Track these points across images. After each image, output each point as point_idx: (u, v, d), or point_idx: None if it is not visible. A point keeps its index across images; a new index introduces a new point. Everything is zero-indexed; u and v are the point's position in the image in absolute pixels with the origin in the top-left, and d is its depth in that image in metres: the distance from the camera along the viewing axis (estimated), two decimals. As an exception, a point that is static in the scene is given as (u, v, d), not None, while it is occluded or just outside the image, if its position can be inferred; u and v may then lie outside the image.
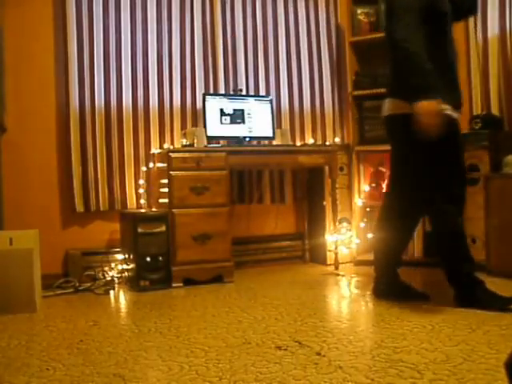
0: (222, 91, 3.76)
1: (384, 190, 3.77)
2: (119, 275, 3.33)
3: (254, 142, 3.74)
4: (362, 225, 3.81)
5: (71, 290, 3.12)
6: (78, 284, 3.18)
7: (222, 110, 3.57)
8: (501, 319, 2.15)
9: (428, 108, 2.19)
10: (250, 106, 3.66)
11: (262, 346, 1.94)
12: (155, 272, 3.10)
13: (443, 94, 2.31)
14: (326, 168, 3.68)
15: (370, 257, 3.63)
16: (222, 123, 3.56)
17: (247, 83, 3.86)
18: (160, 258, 3.11)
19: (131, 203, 3.52)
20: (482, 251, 3.11)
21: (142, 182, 3.54)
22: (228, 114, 3.58)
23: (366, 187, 3.86)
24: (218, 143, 3.54)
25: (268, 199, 3.90)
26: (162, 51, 3.61)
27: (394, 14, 2.33)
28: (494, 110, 3.48)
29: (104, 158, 3.45)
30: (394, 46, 2.35)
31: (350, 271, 3.52)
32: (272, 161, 3.52)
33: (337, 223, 3.64)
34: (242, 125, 3.62)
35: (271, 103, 3.76)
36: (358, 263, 3.70)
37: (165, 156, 3.21)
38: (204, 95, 3.56)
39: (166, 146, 3.54)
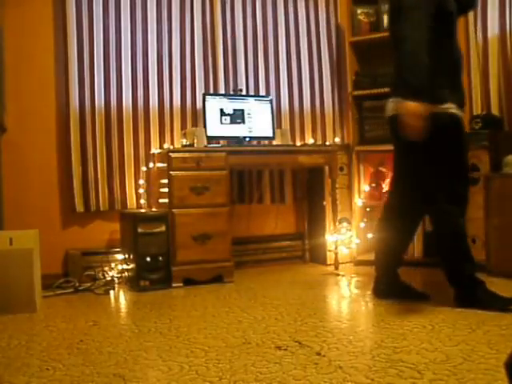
0: (222, 91, 3.76)
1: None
2: (119, 275, 3.33)
3: (254, 142, 3.74)
4: (362, 225, 3.81)
5: (71, 289, 3.12)
6: (78, 284, 3.18)
7: (222, 110, 3.57)
8: (501, 319, 2.15)
9: (412, 109, 2.19)
10: (249, 105, 3.66)
11: (261, 346, 1.94)
12: (155, 272, 3.10)
13: (448, 93, 2.32)
14: (326, 168, 3.68)
15: (370, 257, 3.64)
16: (221, 123, 3.56)
17: (247, 83, 3.86)
18: (160, 258, 3.11)
19: (131, 203, 3.52)
20: (482, 251, 3.11)
21: (142, 182, 3.54)
22: (228, 114, 3.58)
23: (365, 187, 3.86)
24: (218, 143, 3.54)
25: (268, 199, 3.90)
26: (162, 51, 3.61)
27: (402, 13, 2.29)
28: (494, 110, 3.49)
29: (104, 158, 3.45)
30: (397, 44, 2.33)
31: (350, 271, 3.52)
32: (272, 161, 3.52)
33: (337, 223, 3.64)
34: (241, 125, 3.62)
35: (271, 103, 3.76)
36: (358, 263, 3.70)
37: (165, 156, 3.21)
38: (204, 95, 3.56)
39: (165, 146, 3.54)
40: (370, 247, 3.79)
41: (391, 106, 2.47)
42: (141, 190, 3.53)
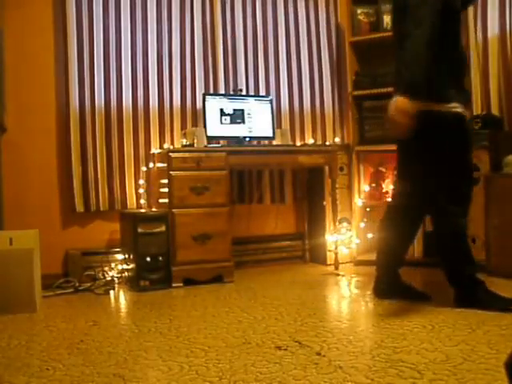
0: (222, 91, 3.76)
1: (390, 189, 3.79)
2: (119, 275, 3.33)
3: (254, 142, 3.74)
4: (362, 225, 3.81)
5: (71, 290, 3.12)
6: (78, 284, 3.18)
7: (222, 110, 3.57)
8: (501, 319, 2.15)
9: (400, 105, 2.18)
10: (250, 105, 3.66)
11: (261, 346, 1.94)
12: (155, 272, 3.10)
13: (454, 92, 2.32)
14: (326, 168, 3.67)
15: (370, 257, 3.64)
16: (221, 123, 3.56)
17: (247, 83, 3.86)
18: (160, 258, 3.11)
19: (131, 203, 3.52)
20: (482, 251, 3.11)
21: (142, 182, 3.54)
22: (228, 114, 3.58)
23: (365, 187, 3.86)
24: (218, 143, 3.54)
25: (268, 199, 3.90)
26: (162, 51, 3.61)
27: (408, 11, 2.26)
28: (494, 110, 3.48)
29: (104, 158, 3.45)
30: (401, 42, 2.29)
31: (350, 271, 3.52)
32: (272, 161, 3.52)
33: (337, 223, 3.64)
34: (241, 125, 3.62)
35: (271, 103, 3.76)
36: (358, 263, 3.70)
37: (165, 156, 3.21)
38: (204, 95, 3.56)
39: (165, 146, 3.54)
40: (370, 247, 3.79)
41: None
42: (141, 190, 3.53)
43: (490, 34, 3.50)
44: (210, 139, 3.46)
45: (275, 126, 3.76)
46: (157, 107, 3.59)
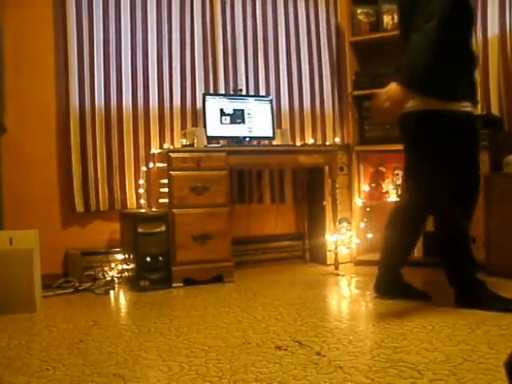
0: (222, 91, 3.76)
1: (390, 190, 3.79)
2: (119, 275, 3.33)
3: (254, 142, 3.74)
4: (362, 225, 3.81)
5: (71, 290, 3.12)
6: (78, 284, 3.18)
7: (222, 110, 3.57)
8: (501, 319, 2.15)
9: (392, 91, 2.15)
10: (250, 105, 3.66)
11: (261, 346, 1.94)
12: (155, 272, 3.10)
13: (465, 91, 2.31)
14: (326, 168, 3.67)
15: (370, 257, 3.65)
16: (222, 123, 3.56)
17: (247, 83, 3.86)
18: (160, 258, 3.11)
19: (131, 203, 3.52)
20: (482, 251, 3.11)
21: (142, 182, 3.54)
22: (228, 114, 3.58)
23: (366, 187, 3.86)
24: (218, 143, 3.54)
25: (268, 199, 3.90)
26: (162, 51, 3.61)
27: (419, 6, 2.22)
28: (494, 110, 3.48)
29: (104, 158, 3.45)
30: (412, 37, 2.22)
31: (350, 271, 3.52)
32: (272, 161, 3.53)
33: (337, 223, 3.64)
34: (242, 125, 3.62)
35: (271, 103, 3.76)
36: (358, 263, 3.70)
37: (165, 156, 3.21)
38: (204, 95, 3.56)
39: (166, 146, 3.54)
40: (370, 247, 3.79)
41: (410, 103, 2.37)
42: (141, 190, 3.53)
43: (490, 34, 3.49)
44: (210, 139, 3.46)
45: (275, 125, 3.76)
46: (157, 107, 3.59)
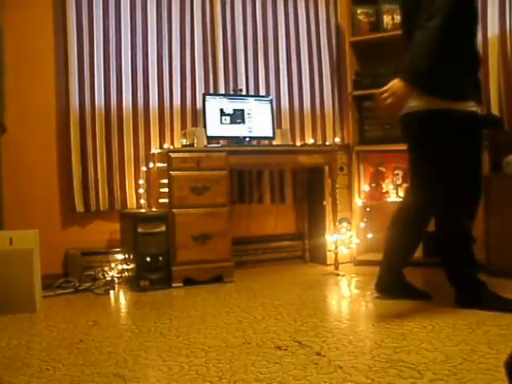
0: (222, 91, 3.76)
1: (390, 190, 3.79)
2: (119, 275, 3.33)
3: (254, 142, 3.74)
4: (362, 225, 3.81)
5: (71, 289, 3.12)
6: (78, 284, 3.18)
7: (222, 110, 3.57)
8: (501, 319, 2.15)
9: (396, 86, 2.13)
10: (250, 105, 3.66)
11: (262, 346, 1.94)
12: (155, 272, 3.10)
13: (470, 91, 2.31)
14: (326, 168, 3.67)
15: (370, 257, 3.66)
16: (222, 123, 3.56)
17: (247, 83, 3.86)
18: (160, 258, 3.11)
19: (131, 203, 3.52)
20: (482, 251, 3.10)
21: (142, 182, 3.54)
22: (228, 114, 3.58)
23: (366, 187, 3.86)
24: (218, 143, 3.54)
25: (268, 199, 3.90)
26: (162, 51, 3.61)
27: (421, 7, 2.21)
28: (494, 110, 3.48)
29: (104, 158, 3.45)
30: (416, 34, 2.21)
31: (350, 271, 3.52)
32: (272, 161, 3.53)
33: (337, 223, 3.64)
34: (241, 125, 3.62)
35: (271, 103, 3.76)
36: (358, 263, 3.71)
37: (165, 156, 3.21)
38: (204, 95, 3.56)
39: (166, 146, 3.54)
40: (370, 247, 3.80)
41: (416, 102, 2.35)
42: (141, 190, 3.54)
43: (490, 34, 3.49)
44: (210, 139, 3.46)
45: (275, 125, 3.76)
46: (157, 107, 3.59)
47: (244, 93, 3.78)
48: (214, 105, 3.55)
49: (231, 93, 3.75)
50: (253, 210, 3.84)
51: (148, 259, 3.08)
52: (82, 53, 3.39)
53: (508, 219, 3.01)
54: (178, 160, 3.17)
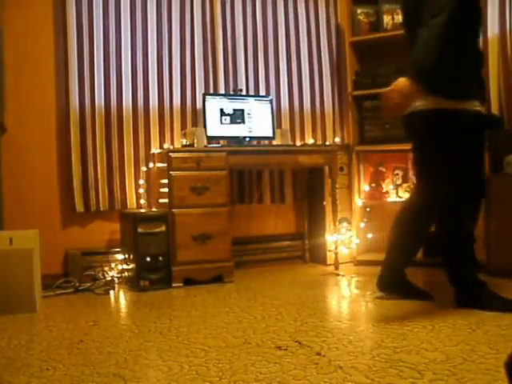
0: (222, 91, 3.76)
1: (390, 190, 3.79)
2: (119, 275, 3.33)
3: (254, 142, 3.74)
4: (362, 225, 3.81)
5: (71, 289, 3.12)
6: (78, 284, 3.18)
7: (222, 110, 3.57)
8: (501, 319, 2.15)
9: (401, 85, 2.12)
10: (250, 105, 3.66)
11: (262, 346, 1.94)
12: (155, 272, 3.10)
13: (474, 90, 2.30)
14: (326, 168, 3.67)
15: (370, 257, 3.66)
16: (222, 123, 3.56)
17: (247, 83, 3.86)
18: (160, 258, 3.11)
19: (131, 203, 3.52)
20: (482, 251, 3.10)
21: (142, 182, 3.54)
22: (228, 114, 3.58)
23: (366, 187, 3.86)
24: (218, 143, 3.54)
25: (268, 199, 3.90)
26: (162, 51, 3.61)
27: (424, 5, 2.19)
28: (494, 110, 3.48)
29: (104, 158, 3.45)
30: (421, 32, 2.18)
31: (350, 271, 3.52)
32: (272, 161, 3.53)
33: (337, 223, 3.64)
34: (242, 125, 3.62)
35: (271, 103, 3.76)
36: (358, 263, 3.71)
37: (165, 156, 3.21)
38: (204, 95, 3.56)
39: (166, 146, 3.54)
40: (369, 247, 3.80)
41: (422, 102, 2.33)
42: (141, 190, 3.54)
43: (490, 34, 3.49)
44: (210, 139, 3.46)
45: (275, 125, 3.76)
46: (157, 107, 3.59)
47: (244, 93, 3.78)
48: (213, 105, 3.55)
49: (231, 93, 3.75)
50: (253, 210, 3.84)
51: (148, 259, 3.08)
52: (82, 53, 3.39)
53: (508, 219, 3.01)
54: (177, 160, 3.17)
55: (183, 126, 3.64)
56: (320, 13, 4.11)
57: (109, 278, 3.28)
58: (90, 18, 3.41)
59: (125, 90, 3.50)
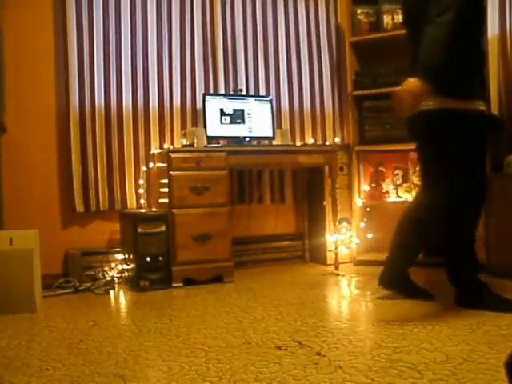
0: (222, 91, 3.76)
1: (390, 190, 3.79)
2: (119, 275, 3.33)
3: (254, 142, 3.74)
4: (362, 225, 3.81)
5: (71, 289, 3.12)
6: (78, 284, 3.18)
7: (222, 110, 3.57)
8: (501, 319, 2.15)
9: (412, 85, 2.11)
10: (250, 105, 3.66)
11: (262, 346, 1.94)
12: (155, 272, 3.10)
13: (477, 90, 2.30)
14: (326, 168, 3.67)
15: (370, 257, 3.66)
16: (222, 123, 3.56)
17: (247, 83, 3.86)
18: (160, 258, 3.11)
19: (131, 203, 3.52)
20: (483, 251, 3.10)
21: (142, 182, 3.54)
22: (228, 114, 3.58)
23: (366, 187, 3.86)
24: (218, 143, 3.54)
25: (268, 199, 3.90)
26: (162, 51, 3.61)
27: (428, 3, 2.17)
28: (494, 110, 3.48)
29: (104, 158, 3.45)
30: (418, 33, 2.19)
31: (350, 271, 3.52)
32: (272, 161, 3.53)
33: (337, 223, 3.64)
34: (242, 125, 3.62)
35: (271, 103, 3.76)
36: (358, 263, 3.71)
37: (165, 156, 3.21)
38: (204, 95, 3.56)
39: (166, 146, 3.54)
40: (369, 247, 3.80)
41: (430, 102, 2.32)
42: (141, 190, 3.53)
43: (490, 34, 3.49)
44: (210, 139, 3.46)
45: (275, 125, 3.76)
46: (157, 107, 3.59)
47: (244, 93, 3.78)
48: (213, 105, 3.55)
49: (231, 93, 3.75)
50: (253, 210, 3.84)
51: (148, 259, 3.08)
52: (82, 53, 3.39)
53: (508, 219, 3.01)
54: (177, 160, 3.17)
55: (183, 126, 3.64)
56: (320, 13, 4.11)
57: (109, 278, 3.28)
58: (90, 18, 3.41)
59: (125, 90, 3.50)
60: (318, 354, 1.83)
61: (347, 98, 3.99)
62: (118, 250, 3.38)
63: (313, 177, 3.91)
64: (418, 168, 3.67)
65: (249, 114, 3.64)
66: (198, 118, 3.66)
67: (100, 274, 3.31)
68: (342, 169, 3.84)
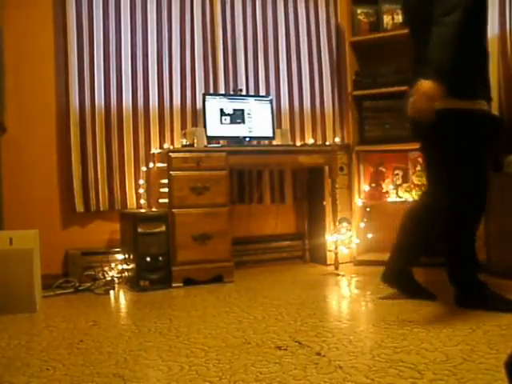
0: (222, 91, 3.76)
1: (390, 190, 3.79)
2: (119, 275, 3.33)
3: (254, 142, 3.74)
4: (362, 225, 3.81)
5: (71, 289, 3.12)
6: (78, 284, 3.18)
7: (222, 110, 3.57)
8: (501, 319, 2.15)
9: (426, 88, 2.10)
10: (250, 105, 3.66)
11: (262, 346, 1.94)
12: (155, 272, 3.10)
13: (481, 89, 2.29)
14: (326, 168, 3.67)
15: (370, 257, 3.66)
16: (221, 123, 3.56)
17: (247, 83, 3.86)
18: (160, 258, 3.11)
19: (131, 203, 3.52)
20: (483, 251, 3.10)
21: (142, 182, 3.54)
22: (228, 114, 3.58)
23: (366, 187, 3.86)
24: (218, 143, 3.54)
25: (268, 199, 3.90)
26: (162, 51, 3.61)
27: (434, 2, 2.16)
28: (494, 110, 3.48)
29: (104, 158, 3.45)
30: (434, 29, 2.15)
31: (350, 271, 3.52)
32: (272, 161, 3.53)
33: (337, 223, 3.64)
34: (242, 125, 3.62)
35: (271, 103, 3.76)
36: (358, 263, 3.71)
37: (165, 156, 3.22)
38: (204, 95, 3.56)
39: (166, 146, 3.54)
40: (369, 247, 3.80)
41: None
42: (141, 190, 3.53)
43: (490, 34, 3.47)
44: (210, 139, 3.46)
45: (275, 125, 3.76)
46: (157, 107, 3.59)
47: (244, 93, 3.78)
48: (213, 105, 3.55)
49: (231, 93, 3.75)
50: (253, 210, 3.84)
51: (148, 259, 3.08)
52: (82, 53, 3.39)
53: (509, 219, 3.00)
54: (178, 160, 3.17)
55: (183, 126, 3.64)
56: (320, 13, 4.11)
57: (109, 278, 3.28)
58: (90, 18, 3.41)
59: (125, 90, 3.50)
60: (318, 353, 1.83)
61: (347, 98, 3.99)
62: (118, 250, 3.38)
63: (313, 177, 3.91)
64: (418, 168, 3.69)
65: (249, 114, 3.64)
66: (198, 118, 3.66)
67: (100, 274, 3.31)
68: (341, 169, 3.84)
